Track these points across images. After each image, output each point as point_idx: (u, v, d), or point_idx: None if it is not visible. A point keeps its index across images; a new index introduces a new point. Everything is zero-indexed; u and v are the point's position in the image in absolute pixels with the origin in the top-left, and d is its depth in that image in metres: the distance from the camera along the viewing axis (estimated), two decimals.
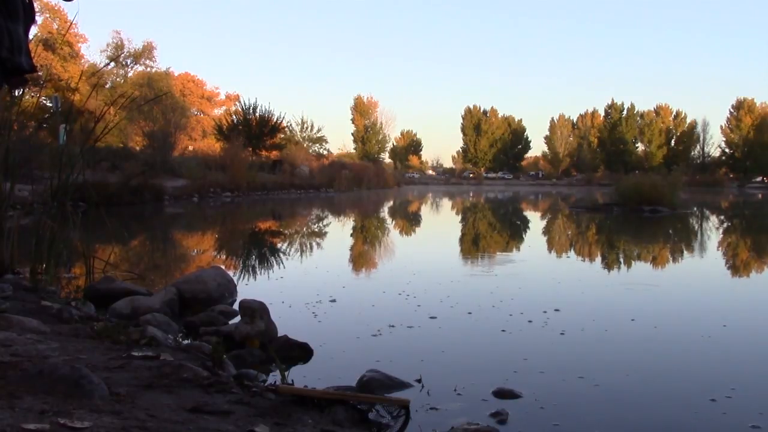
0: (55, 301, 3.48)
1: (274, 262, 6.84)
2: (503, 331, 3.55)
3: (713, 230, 12.86)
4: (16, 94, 5.73)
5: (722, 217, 17.68)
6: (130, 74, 40.64)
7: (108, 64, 37.57)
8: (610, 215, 15.85)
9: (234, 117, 37.67)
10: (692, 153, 74.07)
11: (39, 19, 30.47)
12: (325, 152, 54.21)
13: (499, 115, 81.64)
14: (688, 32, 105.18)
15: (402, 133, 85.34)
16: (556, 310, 4.06)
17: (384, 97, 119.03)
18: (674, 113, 75.87)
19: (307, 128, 54.58)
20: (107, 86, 37.60)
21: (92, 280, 4.39)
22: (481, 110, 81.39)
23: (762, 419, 2.22)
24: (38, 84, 17.92)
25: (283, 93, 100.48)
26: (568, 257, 7.29)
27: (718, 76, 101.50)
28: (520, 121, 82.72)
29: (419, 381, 2.55)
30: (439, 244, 8.37)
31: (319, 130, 55.37)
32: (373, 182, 39.82)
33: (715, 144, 77.67)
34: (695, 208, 20.14)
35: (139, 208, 15.33)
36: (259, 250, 8.18)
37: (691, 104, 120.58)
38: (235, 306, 3.74)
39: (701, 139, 74.17)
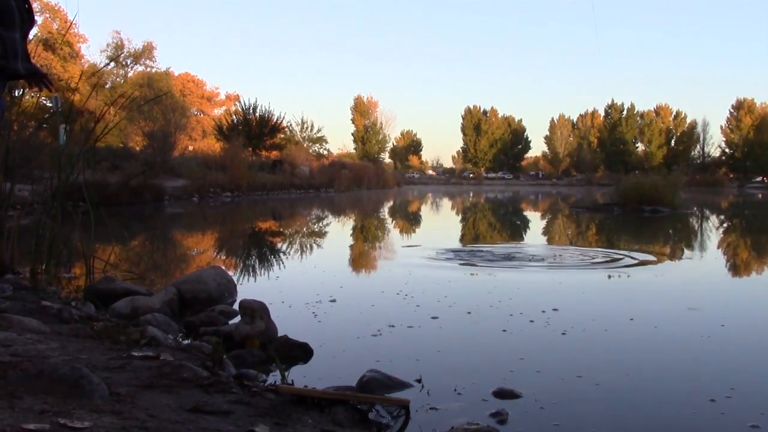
0: (55, 301, 3.49)
1: (274, 262, 6.84)
2: (504, 331, 3.55)
3: (713, 230, 12.85)
4: (16, 93, 5.73)
5: (722, 217, 17.68)
6: (130, 74, 40.68)
7: (108, 64, 37.58)
8: (610, 215, 15.85)
9: (234, 117, 37.69)
10: (692, 153, 74.09)
11: (39, 19, 30.48)
12: (325, 152, 54.32)
13: (499, 115, 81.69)
14: (688, 32, 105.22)
15: (402, 133, 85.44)
16: (555, 309, 4.05)
17: (384, 97, 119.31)
18: (674, 113, 75.92)
19: (307, 128, 54.66)
20: (107, 86, 37.62)
21: (92, 280, 4.39)
22: (481, 110, 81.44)
23: (761, 419, 2.23)
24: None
25: (283, 93, 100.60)
26: (568, 257, 7.28)
27: (718, 76, 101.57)
28: (520, 121, 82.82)
29: (419, 381, 2.55)
30: (437, 243, 8.37)
31: (319, 130, 55.49)
32: (373, 182, 39.82)
33: (715, 144, 77.74)
34: (695, 208, 20.13)
35: (139, 208, 15.34)
36: (259, 250, 8.18)
37: (691, 104, 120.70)
38: (235, 306, 3.74)
39: (701, 139, 74.21)
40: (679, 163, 62.12)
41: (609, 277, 5.79)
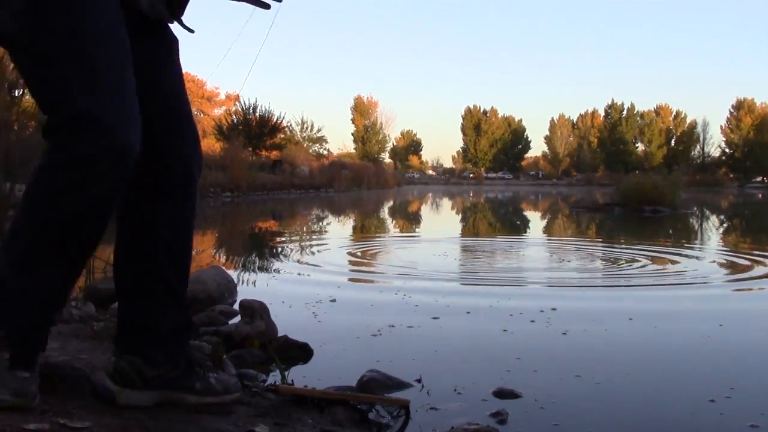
0: None
1: (274, 262, 6.84)
2: (504, 330, 3.55)
3: (713, 230, 12.86)
4: (16, 93, 5.73)
5: (722, 217, 17.68)
6: None
7: None
8: (611, 215, 15.86)
9: (234, 117, 37.72)
10: (692, 153, 74.23)
11: None
12: (325, 152, 54.44)
13: (499, 115, 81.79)
14: (688, 32, 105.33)
15: (402, 133, 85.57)
16: (553, 309, 4.05)
17: (384, 97, 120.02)
18: (674, 113, 75.98)
19: (307, 128, 54.84)
20: None
21: (92, 280, 4.39)
22: (481, 110, 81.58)
23: (761, 419, 2.23)
24: None
25: (283, 93, 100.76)
26: (568, 256, 7.28)
27: (718, 76, 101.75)
28: (520, 121, 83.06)
29: (419, 381, 2.55)
30: (435, 242, 8.38)
31: (319, 130, 55.73)
32: (373, 182, 39.86)
33: (715, 144, 77.76)
34: (695, 208, 20.14)
35: None
36: (259, 250, 8.18)
37: (691, 104, 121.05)
38: (235, 306, 3.74)
39: (701, 139, 74.40)
40: (679, 163, 62.26)
41: (610, 276, 5.79)
